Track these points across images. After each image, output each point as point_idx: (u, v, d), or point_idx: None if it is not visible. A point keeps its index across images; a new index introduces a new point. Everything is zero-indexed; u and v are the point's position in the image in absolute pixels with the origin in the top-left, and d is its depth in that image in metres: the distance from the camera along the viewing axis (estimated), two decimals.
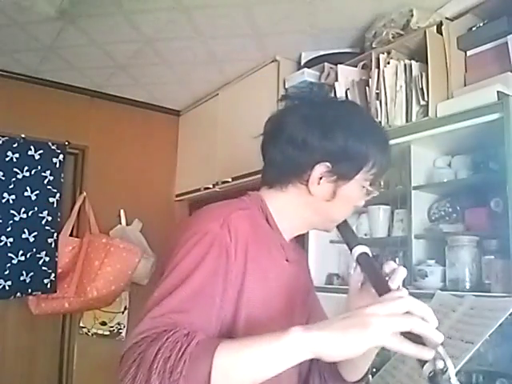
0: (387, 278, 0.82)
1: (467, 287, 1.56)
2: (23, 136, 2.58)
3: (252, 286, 0.87)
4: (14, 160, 2.55)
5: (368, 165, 0.92)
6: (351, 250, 0.92)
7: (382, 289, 0.78)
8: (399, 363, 1.33)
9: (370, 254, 0.89)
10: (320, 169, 0.90)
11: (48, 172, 2.63)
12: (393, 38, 1.90)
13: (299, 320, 0.98)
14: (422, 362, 0.68)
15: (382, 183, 0.96)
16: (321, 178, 0.90)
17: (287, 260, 0.97)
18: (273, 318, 0.90)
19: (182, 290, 0.77)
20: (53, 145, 2.67)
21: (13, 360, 2.62)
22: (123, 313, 2.88)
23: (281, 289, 0.94)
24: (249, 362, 0.68)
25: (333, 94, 2.01)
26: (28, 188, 2.56)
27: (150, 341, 0.69)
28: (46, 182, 2.62)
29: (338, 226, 0.99)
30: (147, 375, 0.65)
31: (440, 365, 0.66)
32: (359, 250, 0.90)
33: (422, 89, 1.70)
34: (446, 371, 0.66)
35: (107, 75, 2.73)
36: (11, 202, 2.51)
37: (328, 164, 0.89)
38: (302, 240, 2.02)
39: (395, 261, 1.84)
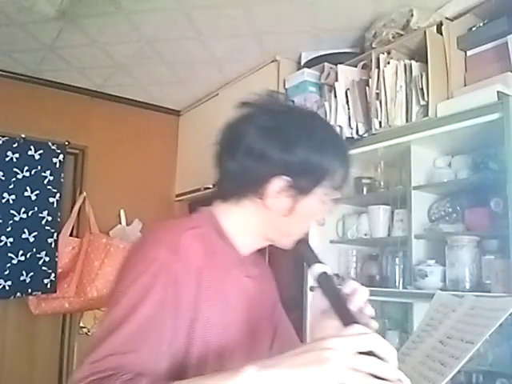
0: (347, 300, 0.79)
1: (467, 287, 1.57)
2: (23, 136, 2.58)
3: (209, 312, 0.81)
4: (14, 160, 2.55)
5: (328, 178, 0.87)
6: (309, 268, 0.87)
7: (345, 317, 0.75)
8: (399, 363, 1.33)
9: (330, 273, 0.84)
10: (278, 183, 0.85)
11: (48, 172, 2.64)
12: (393, 37, 1.90)
13: (263, 337, 0.95)
14: None
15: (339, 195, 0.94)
16: (279, 193, 0.85)
17: (248, 276, 0.93)
18: (234, 341, 0.85)
19: (126, 327, 0.70)
20: (53, 145, 2.68)
21: (13, 360, 2.62)
22: None
23: (242, 308, 0.89)
24: None
25: (332, 95, 2.01)
26: (28, 188, 2.56)
27: None
28: (45, 181, 2.62)
29: (297, 242, 0.93)
30: None
31: None
32: (319, 268, 0.83)
33: (421, 89, 1.70)
34: None
35: (107, 75, 2.73)
36: (11, 202, 2.51)
37: (287, 178, 0.84)
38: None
39: (395, 261, 1.84)
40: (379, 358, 0.65)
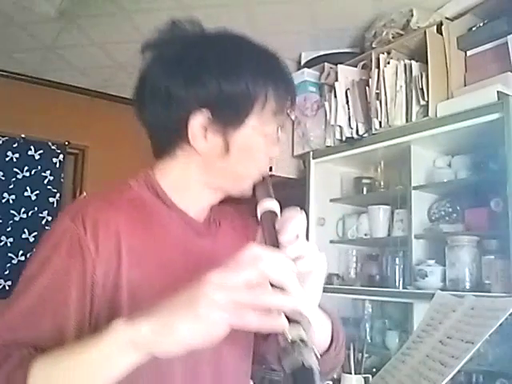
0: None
1: (467, 287, 1.56)
2: (23, 136, 2.58)
3: (136, 278, 0.71)
4: (14, 160, 2.55)
5: (258, 103, 0.74)
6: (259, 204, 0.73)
7: (272, 246, 0.64)
8: (399, 363, 1.33)
9: (276, 211, 0.71)
10: (198, 120, 0.73)
11: (48, 172, 2.64)
12: (393, 37, 1.90)
13: None
14: (284, 337, 0.55)
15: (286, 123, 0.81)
16: (205, 131, 0.74)
17: (200, 235, 0.81)
18: None
19: (21, 301, 0.67)
20: (53, 145, 2.68)
21: None
22: None
23: (189, 271, 0.74)
24: (64, 376, 0.58)
25: (332, 95, 2.01)
26: (28, 188, 2.57)
27: None
28: (46, 182, 2.63)
29: (255, 185, 0.79)
30: None
31: (302, 334, 0.54)
32: (265, 206, 0.71)
33: (421, 89, 1.70)
34: (304, 343, 0.54)
35: (107, 75, 2.73)
36: (11, 202, 2.51)
37: (205, 111, 0.73)
38: None
39: (395, 261, 1.84)
40: (279, 286, 0.55)
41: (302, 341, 0.54)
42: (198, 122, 0.74)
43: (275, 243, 0.64)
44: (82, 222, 0.70)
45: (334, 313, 0.81)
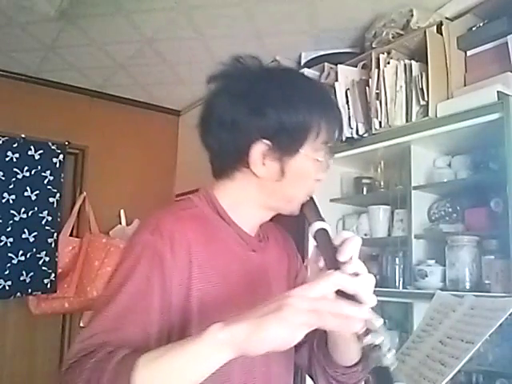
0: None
1: (467, 287, 1.57)
2: (23, 136, 2.58)
3: (203, 287, 0.81)
4: (14, 160, 2.55)
5: (312, 134, 0.84)
6: (310, 226, 0.82)
7: (331, 264, 0.73)
8: (399, 363, 1.33)
9: (328, 229, 0.79)
10: (258, 148, 0.83)
11: (48, 172, 2.64)
12: (393, 38, 1.90)
13: None
14: (361, 337, 0.65)
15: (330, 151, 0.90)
16: (264, 158, 0.83)
17: (254, 251, 0.91)
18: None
19: (111, 307, 0.74)
20: (53, 145, 2.68)
21: (13, 360, 2.62)
22: None
23: (245, 282, 0.88)
24: (167, 371, 0.64)
25: (333, 94, 2.01)
26: (28, 188, 2.57)
27: (76, 366, 0.68)
28: (45, 182, 2.62)
29: (303, 205, 0.89)
30: None
31: (376, 340, 0.64)
32: (317, 225, 0.79)
33: (421, 89, 1.70)
34: (379, 347, 0.64)
35: (107, 75, 2.73)
36: (11, 202, 2.51)
37: (266, 141, 0.82)
38: (302, 239, 2.03)
39: (395, 261, 1.84)
40: (350, 297, 0.66)
41: (376, 345, 0.64)
42: (258, 150, 0.83)
43: (333, 261, 0.73)
44: (160, 235, 0.79)
45: None
